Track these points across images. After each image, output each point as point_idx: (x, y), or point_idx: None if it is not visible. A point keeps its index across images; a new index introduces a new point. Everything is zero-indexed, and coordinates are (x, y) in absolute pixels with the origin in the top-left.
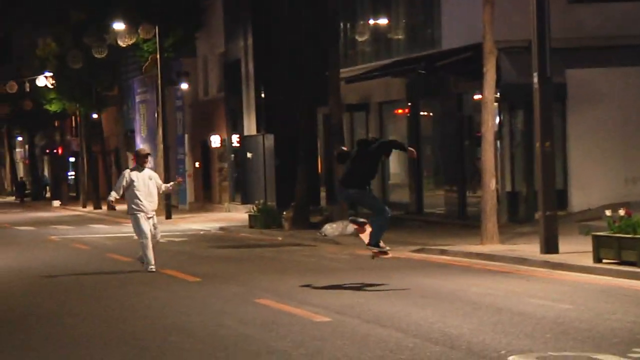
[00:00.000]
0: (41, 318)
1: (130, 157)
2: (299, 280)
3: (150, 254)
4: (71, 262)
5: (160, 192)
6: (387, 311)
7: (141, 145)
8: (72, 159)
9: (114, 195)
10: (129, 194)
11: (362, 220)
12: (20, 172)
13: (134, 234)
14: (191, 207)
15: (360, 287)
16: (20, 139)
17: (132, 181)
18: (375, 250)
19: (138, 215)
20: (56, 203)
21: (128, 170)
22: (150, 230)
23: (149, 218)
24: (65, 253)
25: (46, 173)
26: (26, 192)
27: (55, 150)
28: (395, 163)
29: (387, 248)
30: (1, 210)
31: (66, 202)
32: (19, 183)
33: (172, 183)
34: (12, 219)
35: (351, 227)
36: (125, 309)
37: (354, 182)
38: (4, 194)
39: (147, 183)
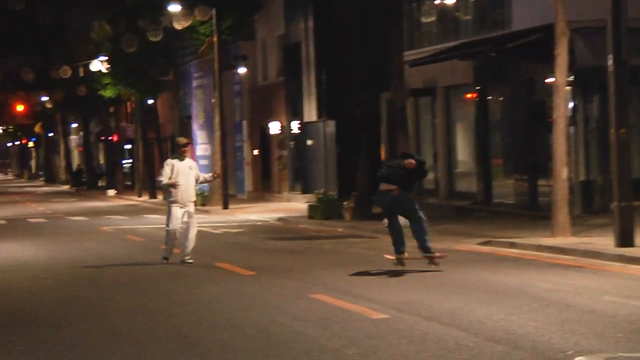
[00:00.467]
0: (86, 312)
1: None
2: (357, 274)
3: (172, 244)
4: (122, 254)
5: (199, 182)
6: (448, 308)
7: (197, 132)
8: (127, 146)
9: (166, 181)
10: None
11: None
12: (75, 159)
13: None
14: (249, 197)
15: (421, 282)
16: (74, 125)
17: (174, 172)
18: (435, 254)
19: (172, 206)
20: (111, 192)
21: (170, 160)
22: (183, 221)
23: (183, 208)
24: (117, 244)
25: (101, 161)
26: (82, 180)
27: (110, 137)
28: (462, 150)
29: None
30: (56, 199)
31: (121, 191)
32: (76, 171)
33: (210, 174)
34: (66, 208)
35: None
36: (175, 304)
37: (400, 182)
38: (58, 182)
39: (186, 173)
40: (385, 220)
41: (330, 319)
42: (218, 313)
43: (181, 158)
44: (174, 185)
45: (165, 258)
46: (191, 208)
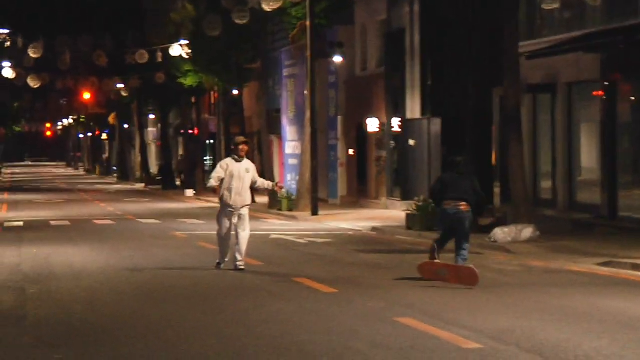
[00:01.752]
0: (141, 330)
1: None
2: (457, 296)
3: (225, 249)
4: (192, 264)
5: (256, 187)
6: (552, 339)
7: (287, 127)
8: (209, 142)
9: (212, 184)
10: (223, 184)
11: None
12: (152, 155)
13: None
14: (342, 202)
15: (524, 307)
16: (152, 117)
17: (228, 174)
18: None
19: (222, 209)
20: (189, 192)
21: (226, 160)
22: (234, 224)
23: (235, 212)
24: (188, 252)
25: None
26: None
27: (190, 131)
28: (586, 155)
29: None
30: (128, 199)
31: (201, 191)
32: (164, 166)
33: (271, 183)
34: (137, 209)
35: (527, 232)
36: (241, 324)
37: (469, 200)
38: (132, 180)
39: (242, 176)
40: (493, 234)
41: (415, 348)
42: (287, 336)
43: (239, 158)
44: (215, 191)
45: (218, 263)
46: (244, 211)
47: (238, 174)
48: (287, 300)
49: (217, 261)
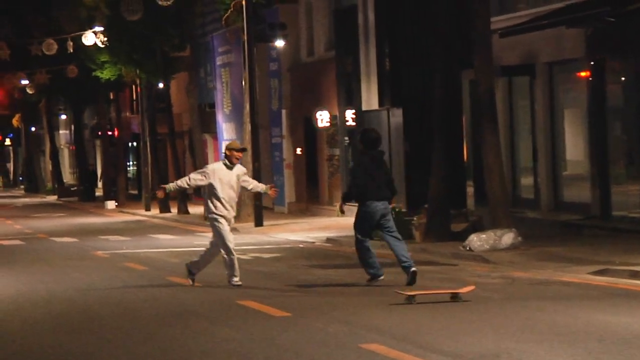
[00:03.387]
0: None
1: (211, 146)
2: (424, 315)
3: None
4: (118, 288)
5: (249, 189)
6: None
7: (223, 124)
8: (132, 144)
9: (172, 187)
10: (209, 194)
11: None
12: (65, 161)
13: (211, 246)
14: (291, 210)
15: (511, 326)
16: (63, 117)
17: (217, 181)
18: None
19: (221, 221)
20: (110, 204)
21: (214, 166)
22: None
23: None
24: (113, 275)
25: (98, 163)
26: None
27: (109, 132)
28: (571, 146)
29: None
30: (38, 214)
31: (123, 202)
32: (88, 172)
33: (265, 186)
34: (50, 226)
35: (508, 238)
36: (178, 356)
37: (385, 194)
38: (42, 192)
39: (233, 185)
40: (468, 242)
41: None
42: None
43: (230, 166)
44: (161, 194)
45: (192, 274)
46: (231, 224)
47: (229, 182)
48: (231, 327)
49: (193, 272)
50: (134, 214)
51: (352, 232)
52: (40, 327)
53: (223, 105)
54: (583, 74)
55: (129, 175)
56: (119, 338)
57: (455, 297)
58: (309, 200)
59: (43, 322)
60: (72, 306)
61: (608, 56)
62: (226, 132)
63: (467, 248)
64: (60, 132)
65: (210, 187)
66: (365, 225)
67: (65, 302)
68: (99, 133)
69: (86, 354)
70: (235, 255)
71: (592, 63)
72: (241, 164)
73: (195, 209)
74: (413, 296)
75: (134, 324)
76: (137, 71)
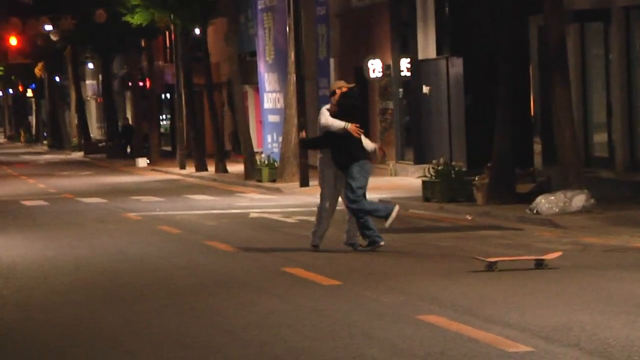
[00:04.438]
0: (90, 340)
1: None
2: (495, 286)
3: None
4: (152, 254)
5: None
6: (621, 337)
7: (265, 75)
8: (165, 96)
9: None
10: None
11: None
12: (92, 114)
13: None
14: None
15: (584, 297)
16: (90, 66)
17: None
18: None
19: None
20: (142, 162)
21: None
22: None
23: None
24: (144, 240)
25: (128, 116)
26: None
27: (141, 83)
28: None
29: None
30: (63, 172)
31: (157, 160)
32: (125, 128)
33: (373, 146)
34: (77, 185)
35: (579, 201)
36: (222, 329)
37: None
38: (68, 148)
39: None
40: (535, 204)
41: (446, 354)
42: (281, 342)
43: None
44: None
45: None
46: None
47: None
48: (278, 297)
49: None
50: (167, 172)
51: (407, 193)
52: (69, 297)
53: (265, 54)
54: None
55: (162, 130)
56: (154, 309)
57: (540, 264)
58: None
59: (72, 291)
60: (103, 274)
61: None
62: (268, 83)
63: (535, 211)
64: (87, 82)
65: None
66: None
67: (95, 269)
68: (130, 84)
69: (118, 327)
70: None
71: None
72: (277, 115)
73: (234, 167)
74: (494, 263)
75: (170, 293)
76: (171, 16)
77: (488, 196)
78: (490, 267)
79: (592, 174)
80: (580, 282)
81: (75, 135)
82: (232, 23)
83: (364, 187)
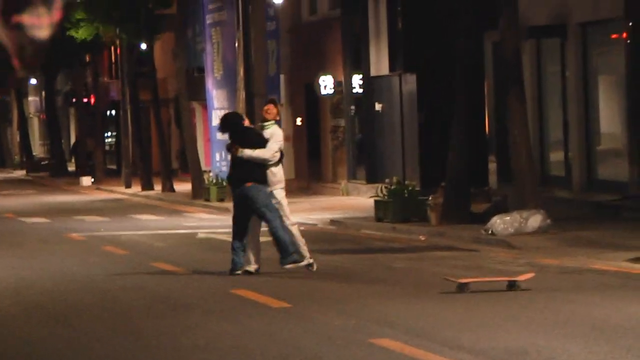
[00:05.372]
0: None
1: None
2: (441, 307)
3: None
4: (97, 275)
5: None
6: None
7: (213, 91)
8: (110, 112)
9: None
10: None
11: None
12: (35, 132)
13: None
14: (289, 188)
15: (540, 320)
16: (33, 82)
17: None
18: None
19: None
20: (86, 180)
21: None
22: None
23: None
24: (90, 260)
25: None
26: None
27: (85, 99)
28: (607, 118)
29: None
30: (5, 192)
31: (101, 178)
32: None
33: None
34: (19, 204)
35: (535, 221)
36: (169, 352)
37: None
38: (9, 166)
39: None
40: (490, 224)
41: None
42: None
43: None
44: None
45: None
46: None
47: None
48: (226, 319)
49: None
50: (112, 191)
51: (359, 213)
52: (11, 319)
53: (214, 70)
54: (620, 36)
55: (107, 148)
56: (99, 332)
57: (512, 286)
58: (311, 177)
59: (13, 313)
60: (46, 295)
61: None
62: (217, 99)
63: (490, 231)
64: (30, 99)
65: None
66: None
67: (38, 290)
68: (74, 100)
69: (62, 350)
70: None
71: (630, 24)
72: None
73: (182, 186)
74: (466, 284)
75: (116, 316)
76: (117, 30)
77: (442, 216)
78: (462, 288)
79: (548, 194)
80: (536, 304)
81: (17, 153)
82: (180, 38)
83: None
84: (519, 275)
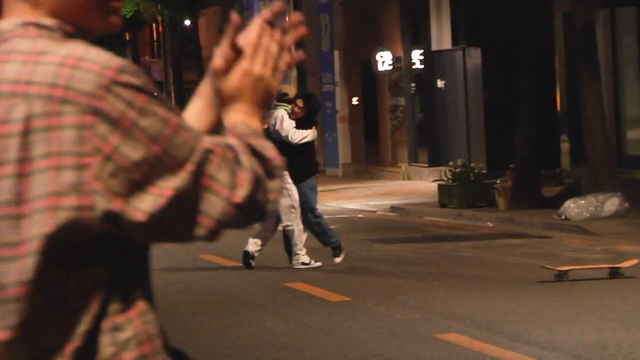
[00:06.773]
0: None
1: None
2: (513, 299)
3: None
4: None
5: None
6: None
7: None
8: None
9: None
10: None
11: None
12: None
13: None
14: (346, 172)
15: (620, 312)
16: None
17: None
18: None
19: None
20: None
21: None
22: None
23: None
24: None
25: None
26: None
27: None
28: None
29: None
30: None
31: None
32: None
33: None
34: None
35: (612, 204)
36: (218, 351)
37: None
38: None
39: None
40: (563, 209)
41: None
42: None
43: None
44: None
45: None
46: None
47: None
48: (280, 314)
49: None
50: None
51: (421, 199)
52: None
53: None
54: None
55: None
56: None
57: (615, 273)
58: (368, 161)
59: None
60: None
61: None
62: None
63: (563, 217)
64: None
65: None
66: None
67: None
68: None
69: None
70: None
71: None
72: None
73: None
74: (565, 272)
75: (162, 313)
76: (159, 6)
77: (511, 201)
78: (561, 276)
79: (625, 175)
80: (615, 296)
81: None
82: (226, 13)
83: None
84: (622, 262)
